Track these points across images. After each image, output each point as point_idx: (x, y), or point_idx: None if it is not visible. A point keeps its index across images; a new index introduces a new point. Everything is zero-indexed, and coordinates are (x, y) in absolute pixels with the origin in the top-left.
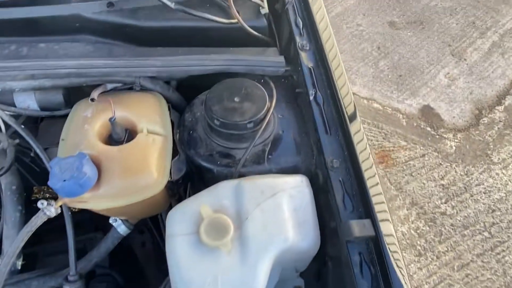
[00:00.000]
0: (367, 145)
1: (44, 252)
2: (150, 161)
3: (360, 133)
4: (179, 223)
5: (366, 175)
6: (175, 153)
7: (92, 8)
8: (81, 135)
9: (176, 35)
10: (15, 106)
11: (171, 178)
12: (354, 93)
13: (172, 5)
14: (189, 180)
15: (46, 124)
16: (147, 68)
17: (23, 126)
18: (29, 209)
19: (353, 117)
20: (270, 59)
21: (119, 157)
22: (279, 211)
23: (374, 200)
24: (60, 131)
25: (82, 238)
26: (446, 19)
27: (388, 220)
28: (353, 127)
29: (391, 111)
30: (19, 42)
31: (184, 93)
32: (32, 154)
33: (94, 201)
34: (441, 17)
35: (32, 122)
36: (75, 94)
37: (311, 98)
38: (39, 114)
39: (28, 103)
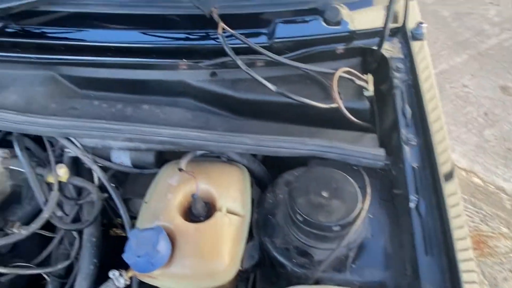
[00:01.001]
0: (476, 276)
1: None
2: (223, 246)
3: (470, 263)
4: None
5: None
6: (249, 235)
7: (197, 76)
8: (163, 204)
9: (271, 109)
10: (110, 161)
11: (242, 267)
12: None
13: (273, 89)
14: (259, 264)
15: (134, 175)
16: (238, 145)
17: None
18: None
19: (462, 237)
20: (368, 151)
21: (194, 236)
22: None
23: None
24: (146, 185)
25: None
26: None
27: None
28: (461, 253)
29: (494, 189)
30: (125, 101)
31: (269, 165)
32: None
33: (163, 279)
34: None
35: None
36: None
37: (412, 205)
38: (130, 171)
39: (122, 159)
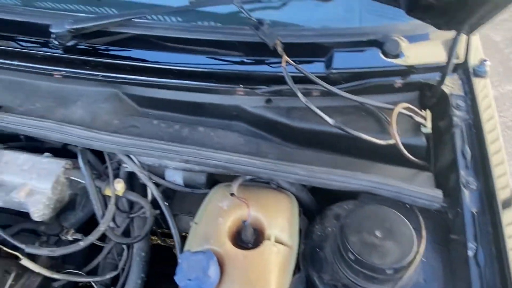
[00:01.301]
0: None
1: None
2: (271, 276)
3: None
4: None
5: None
6: (296, 267)
7: (252, 102)
8: (213, 227)
9: (324, 139)
10: (163, 178)
11: None
12: None
13: (331, 122)
14: None
15: (182, 192)
16: (290, 175)
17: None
18: None
19: None
20: (425, 191)
21: (243, 263)
22: None
23: None
24: (193, 202)
25: None
26: None
27: None
28: None
29: None
30: (182, 122)
31: (316, 194)
32: None
33: None
34: None
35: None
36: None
37: (470, 254)
38: (181, 189)
39: (175, 178)
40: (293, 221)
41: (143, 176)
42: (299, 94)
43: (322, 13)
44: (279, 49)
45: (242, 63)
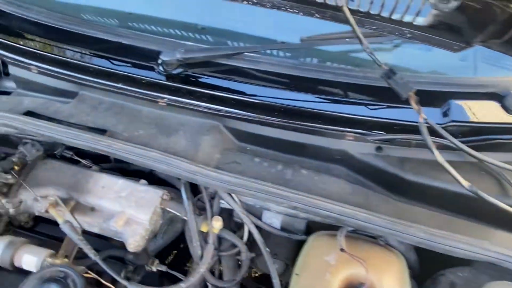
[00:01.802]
0: None
1: None
2: None
3: None
4: None
5: None
6: None
7: (360, 148)
8: (320, 283)
9: (440, 197)
10: (260, 219)
11: None
12: None
13: (466, 186)
14: None
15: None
16: (407, 236)
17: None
18: None
19: None
20: None
21: None
22: None
23: None
24: (280, 245)
25: None
26: None
27: None
28: None
29: None
30: (285, 163)
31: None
32: None
33: None
34: None
35: None
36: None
37: None
38: (277, 233)
39: (272, 220)
40: (405, 284)
41: (245, 218)
42: (435, 152)
43: (435, 60)
44: (414, 102)
45: (350, 105)
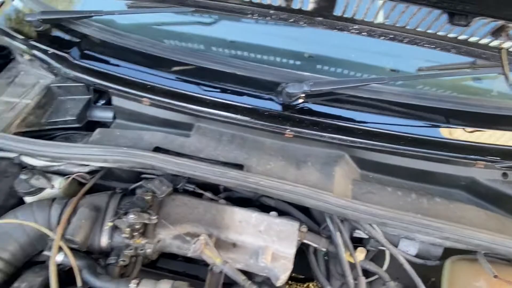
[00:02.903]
0: None
1: None
2: None
3: None
4: None
5: None
6: None
7: (487, 175)
8: None
9: None
10: (396, 247)
11: None
12: None
13: None
14: None
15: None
16: None
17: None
18: None
19: None
20: None
21: None
22: None
23: None
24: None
25: None
26: None
27: None
28: None
29: None
30: (415, 191)
31: None
32: None
33: None
34: None
35: None
36: None
37: None
38: (412, 260)
39: (409, 248)
40: None
41: (392, 249)
42: None
43: None
44: None
45: (473, 133)
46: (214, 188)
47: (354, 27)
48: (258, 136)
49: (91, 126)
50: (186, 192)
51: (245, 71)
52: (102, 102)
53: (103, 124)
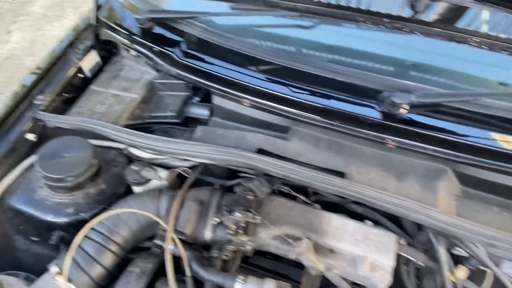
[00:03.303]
0: None
1: None
2: None
3: None
4: None
5: None
6: None
7: None
8: None
9: None
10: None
11: None
12: None
13: None
14: None
15: None
16: None
17: None
18: None
19: None
20: None
21: None
22: None
23: None
24: None
25: None
26: None
27: None
28: None
29: None
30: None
31: None
32: None
33: None
34: None
35: None
36: None
37: None
38: None
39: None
40: None
41: (498, 271)
42: None
43: None
44: None
45: None
46: (303, 191)
47: (475, 39)
48: (357, 144)
49: (186, 121)
50: (280, 193)
51: (345, 77)
52: (197, 99)
53: (198, 120)
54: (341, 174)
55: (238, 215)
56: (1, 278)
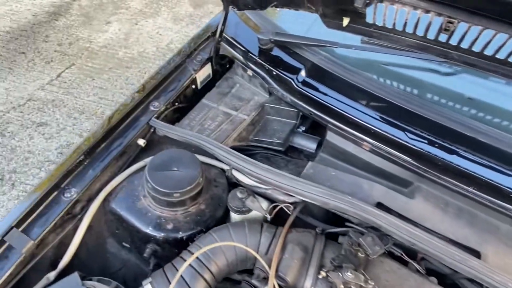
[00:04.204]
0: None
1: None
2: None
3: None
4: None
5: None
6: None
7: None
8: None
9: None
10: None
11: None
12: None
13: None
14: None
15: None
16: None
17: None
18: None
19: None
20: None
21: None
22: None
23: None
24: None
25: None
26: None
27: None
28: None
29: None
30: None
31: None
32: None
33: None
34: None
35: None
36: None
37: None
38: None
39: None
40: None
41: None
42: None
43: None
44: None
45: None
46: (412, 256)
47: None
48: (491, 217)
49: (287, 149)
50: (390, 254)
51: (487, 138)
52: (303, 128)
53: (301, 151)
54: (476, 253)
55: (349, 275)
56: (94, 284)
